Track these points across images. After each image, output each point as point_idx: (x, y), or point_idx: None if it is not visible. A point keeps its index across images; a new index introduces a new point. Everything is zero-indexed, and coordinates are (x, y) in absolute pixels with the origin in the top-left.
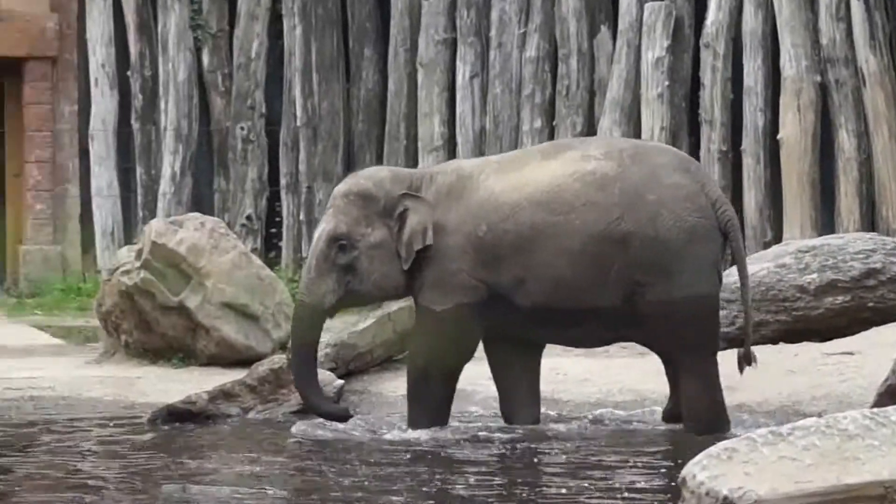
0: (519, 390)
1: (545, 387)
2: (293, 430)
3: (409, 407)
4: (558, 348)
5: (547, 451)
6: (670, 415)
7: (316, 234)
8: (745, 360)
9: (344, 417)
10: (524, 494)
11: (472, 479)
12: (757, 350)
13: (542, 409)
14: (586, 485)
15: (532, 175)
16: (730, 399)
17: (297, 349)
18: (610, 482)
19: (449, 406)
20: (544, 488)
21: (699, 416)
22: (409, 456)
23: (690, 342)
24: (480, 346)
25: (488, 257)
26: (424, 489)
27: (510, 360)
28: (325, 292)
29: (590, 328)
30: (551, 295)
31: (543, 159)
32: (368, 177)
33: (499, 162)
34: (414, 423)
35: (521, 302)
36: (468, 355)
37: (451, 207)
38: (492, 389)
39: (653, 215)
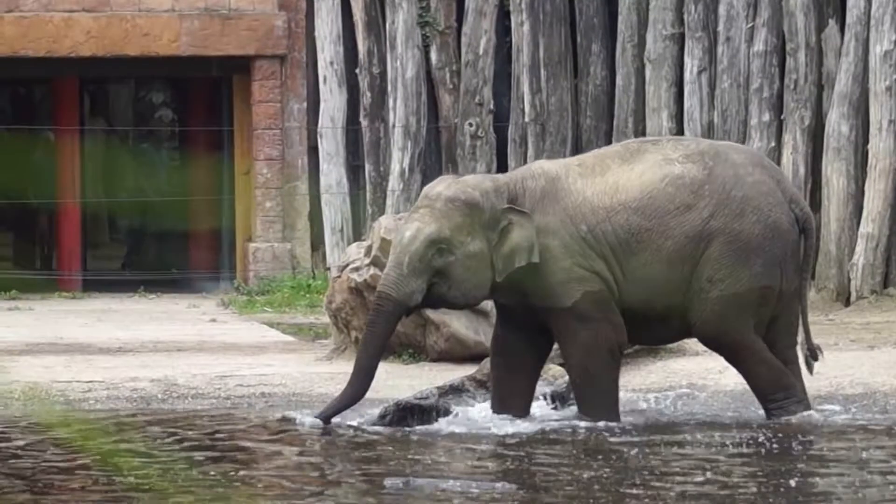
0: (521, 379)
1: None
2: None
3: (585, 408)
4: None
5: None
6: None
7: (410, 232)
8: (812, 356)
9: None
10: None
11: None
12: None
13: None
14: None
15: (619, 179)
16: None
17: (370, 341)
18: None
19: (618, 393)
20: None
21: (777, 388)
22: (634, 451)
23: (748, 329)
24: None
25: (594, 254)
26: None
27: (519, 349)
28: (413, 291)
29: (667, 325)
30: (648, 296)
31: (624, 163)
32: (475, 186)
33: (580, 165)
34: (593, 417)
35: (620, 301)
36: (621, 335)
37: (547, 210)
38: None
39: (739, 212)
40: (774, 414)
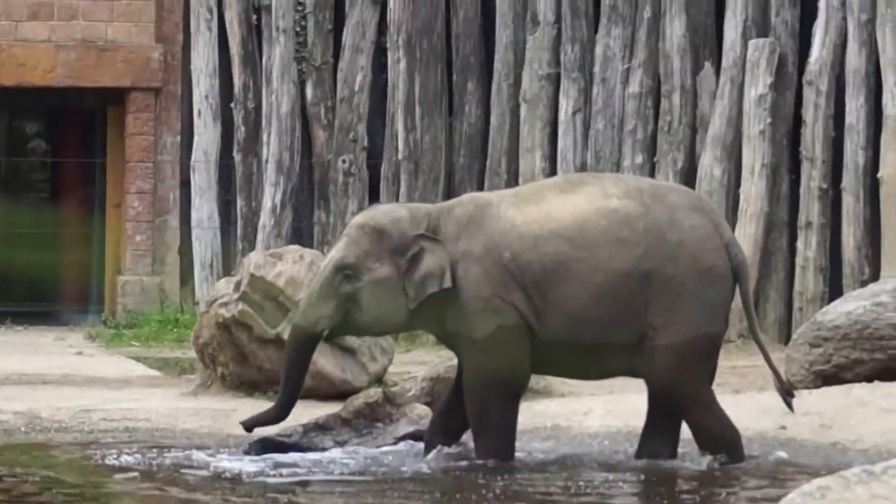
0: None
1: (641, 422)
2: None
3: (476, 442)
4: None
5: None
6: (644, 451)
7: (325, 260)
8: (789, 394)
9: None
10: None
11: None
12: (853, 388)
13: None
14: None
15: (552, 208)
16: (824, 437)
17: (284, 369)
18: None
19: (514, 433)
20: None
21: (720, 444)
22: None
23: (694, 379)
24: None
25: (514, 284)
26: None
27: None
28: (319, 317)
29: (602, 363)
30: (571, 329)
31: (561, 193)
32: (387, 213)
33: (515, 195)
34: (483, 455)
35: (542, 333)
36: (524, 375)
37: (473, 236)
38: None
39: (673, 255)
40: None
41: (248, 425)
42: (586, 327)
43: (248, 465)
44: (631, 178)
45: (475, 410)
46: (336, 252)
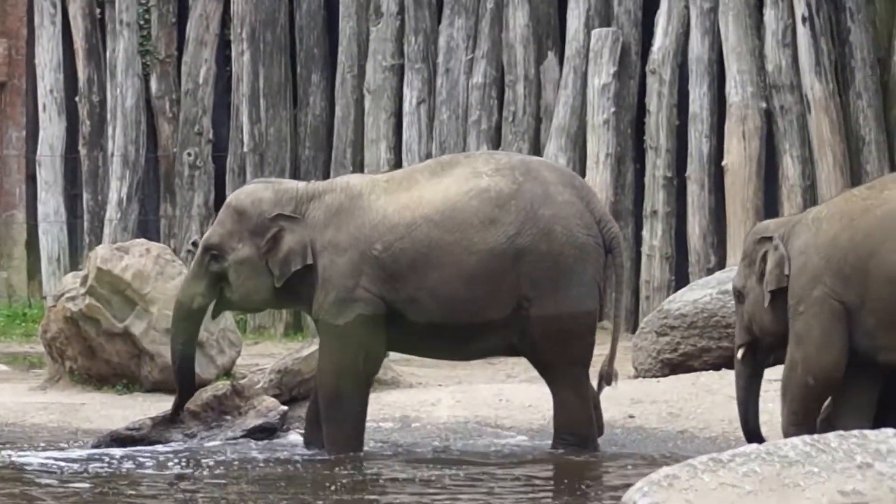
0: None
1: (489, 413)
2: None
3: (326, 429)
4: (502, 374)
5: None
6: None
7: None
8: (606, 381)
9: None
10: None
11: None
12: (700, 376)
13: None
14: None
15: (424, 193)
16: (672, 425)
17: (172, 345)
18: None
19: (364, 422)
20: None
21: (574, 429)
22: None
23: (571, 356)
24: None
25: (384, 275)
26: None
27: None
28: (194, 294)
29: (481, 343)
30: (448, 312)
31: (433, 176)
32: (249, 193)
33: (387, 181)
34: (332, 442)
35: (417, 318)
36: (376, 366)
37: (342, 227)
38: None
39: (547, 231)
40: (559, 447)
41: (174, 410)
42: (463, 309)
43: (72, 462)
44: (503, 154)
45: (326, 396)
46: (207, 233)
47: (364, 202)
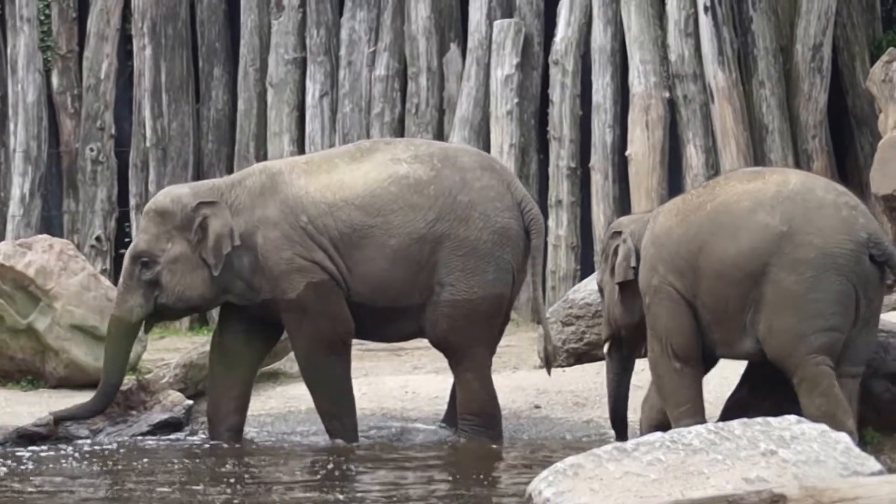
0: (231, 393)
1: (395, 405)
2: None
3: (316, 398)
4: (408, 366)
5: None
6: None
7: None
8: (553, 359)
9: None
10: None
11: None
12: (600, 367)
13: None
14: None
15: (344, 177)
16: (577, 415)
17: (104, 361)
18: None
19: (350, 384)
20: None
21: (478, 412)
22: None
23: (475, 337)
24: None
25: (314, 245)
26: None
27: (235, 362)
28: (132, 306)
29: (398, 325)
30: (371, 293)
31: (353, 161)
32: (166, 193)
33: (307, 163)
34: (323, 412)
35: (347, 295)
36: (346, 327)
37: (267, 203)
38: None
39: (465, 218)
40: (462, 430)
41: (64, 417)
42: (384, 291)
43: None
44: (422, 142)
45: (306, 367)
46: (132, 243)
47: (286, 178)
